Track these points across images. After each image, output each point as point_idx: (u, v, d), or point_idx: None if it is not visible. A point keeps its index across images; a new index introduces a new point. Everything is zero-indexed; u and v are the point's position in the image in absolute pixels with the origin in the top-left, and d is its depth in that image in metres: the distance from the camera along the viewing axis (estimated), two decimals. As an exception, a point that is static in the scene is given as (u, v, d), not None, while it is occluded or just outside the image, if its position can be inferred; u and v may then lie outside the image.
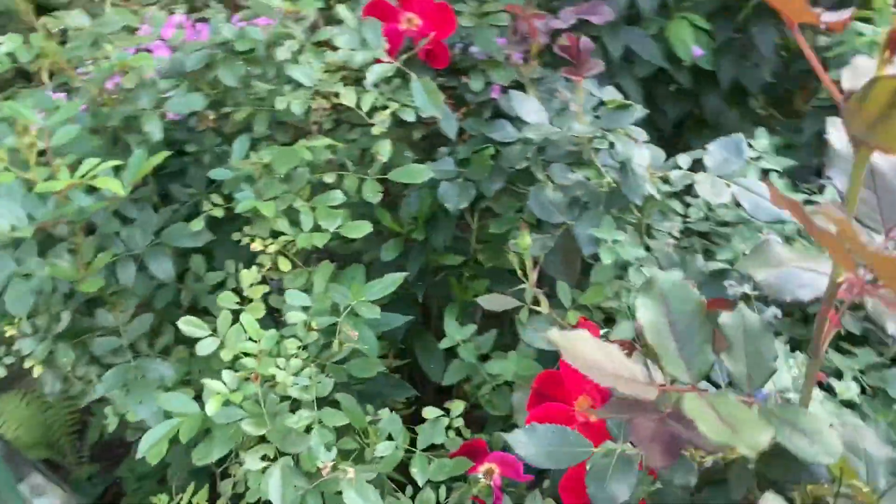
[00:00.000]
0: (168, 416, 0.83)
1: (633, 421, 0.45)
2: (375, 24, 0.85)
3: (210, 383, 0.74)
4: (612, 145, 0.85)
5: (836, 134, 0.49)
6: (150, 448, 0.77)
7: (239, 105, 0.91)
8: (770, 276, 0.47)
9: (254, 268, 0.89)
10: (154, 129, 0.82)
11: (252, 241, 0.92)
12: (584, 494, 0.63)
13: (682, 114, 1.36)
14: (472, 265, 1.11)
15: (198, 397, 0.83)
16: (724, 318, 0.50)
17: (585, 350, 0.44)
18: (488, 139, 1.02)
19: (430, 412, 0.89)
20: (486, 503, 0.86)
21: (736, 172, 0.88)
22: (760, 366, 0.50)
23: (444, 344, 0.98)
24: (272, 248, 0.92)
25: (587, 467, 0.58)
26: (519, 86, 1.06)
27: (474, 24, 1.09)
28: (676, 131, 1.41)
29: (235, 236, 0.94)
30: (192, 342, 0.81)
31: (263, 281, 0.89)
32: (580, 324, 0.82)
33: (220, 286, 0.93)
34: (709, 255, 0.89)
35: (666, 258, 0.87)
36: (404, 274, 0.85)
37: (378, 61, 0.85)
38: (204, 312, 0.92)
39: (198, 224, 0.87)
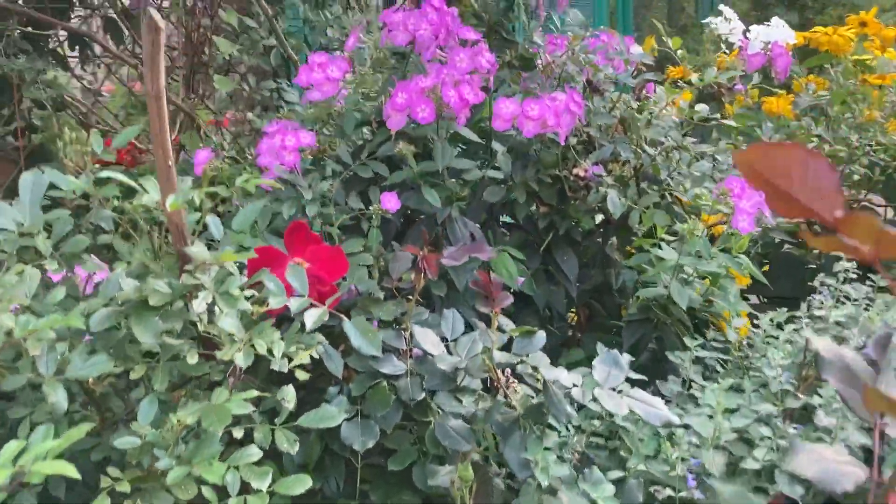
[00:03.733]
0: None
1: None
2: (300, 271, 0.86)
3: None
4: (535, 369, 0.91)
5: (825, 346, 0.59)
6: None
7: (129, 360, 0.84)
8: (818, 472, 0.54)
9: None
10: (60, 399, 0.72)
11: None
12: None
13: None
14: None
15: None
16: None
17: None
18: (378, 374, 1.03)
19: None
20: None
21: (620, 383, 0.98)
22: None
23: None
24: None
25: None
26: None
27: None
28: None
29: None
30: None
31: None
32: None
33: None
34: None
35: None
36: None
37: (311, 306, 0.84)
38: None
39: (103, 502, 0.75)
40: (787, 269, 2.24)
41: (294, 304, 0.82)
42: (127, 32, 2.23)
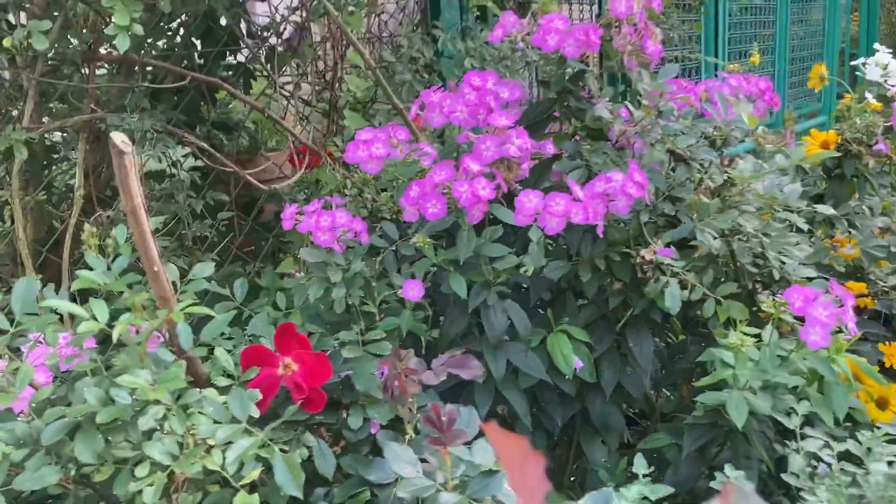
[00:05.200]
0: None
1: None
2: (241, 395, 0.86)
3: None
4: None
5: None
6: None
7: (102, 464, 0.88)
8: None
9: None
10: (-1, 512, 0.78)
11: None
12: None
13: (569, 415, 1.38)
14: None
15: None
16: None
17: None
18: (365, 481, 1.00)
19: None
20: None
21: (607, 529, 0.88)
22: None
23: None
24: None
25: None
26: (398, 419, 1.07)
27: (356, 355, 1.11)
28: (566, 430, 1.43)
29: None
30: None
31: None
32: None
33: None
34: None
35: None
36: None
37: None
38: None
39: None
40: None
41: (221, 434, 0.82)
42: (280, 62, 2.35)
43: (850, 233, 1.53)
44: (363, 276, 1.21)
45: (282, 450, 0.94)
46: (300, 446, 0.99)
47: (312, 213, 1.19)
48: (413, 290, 1.12)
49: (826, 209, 1.18)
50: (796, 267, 1.31)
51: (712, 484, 1.07)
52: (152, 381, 0.83)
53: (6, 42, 1.54)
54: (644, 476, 1.09)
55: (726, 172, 1.23)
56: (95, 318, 0.85)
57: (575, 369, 1.29)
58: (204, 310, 0.91)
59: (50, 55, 1.74)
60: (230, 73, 2.30)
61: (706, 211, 1.15)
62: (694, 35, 3.42)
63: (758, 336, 1.16)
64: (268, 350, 0.99)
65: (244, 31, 2.27)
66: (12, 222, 1.80)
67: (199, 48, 2.21)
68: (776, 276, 1.32)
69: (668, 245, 1.24)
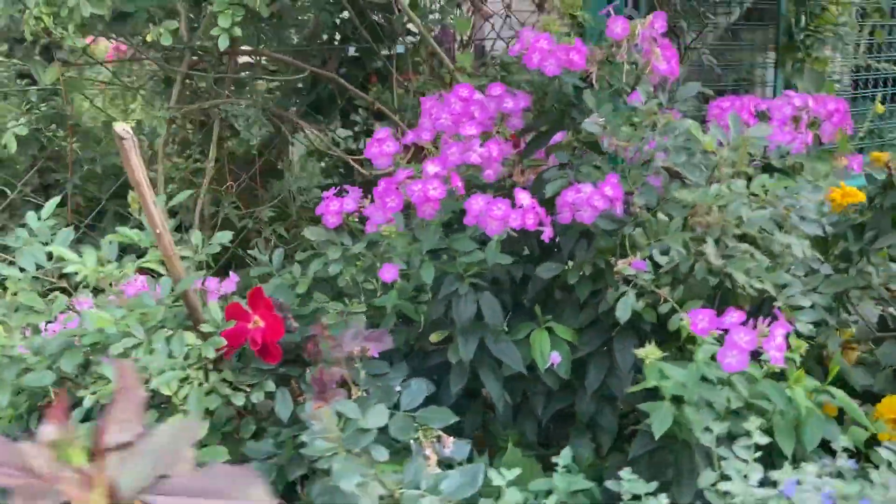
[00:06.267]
0: None
1: None
2: (181, 339, 1.07)
3: None
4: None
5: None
6: None
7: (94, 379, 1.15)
8: None
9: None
10: (2, 399, 1.06)
11: None
12: None
13: (555, 409, 1.46)
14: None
15: None
16: None
17: None
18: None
19: None
20: None
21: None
22: None
23: None
24: None
25: None
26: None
27: (332, 322, 1.30)
28: (558, 425, 1.51)
29: None
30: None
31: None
32: None
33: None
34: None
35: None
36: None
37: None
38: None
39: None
40: None
41: (155, 365, 1.03)
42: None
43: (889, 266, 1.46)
44: (366, 257, 1.39)
45: (244, 390, 1.16)
46: (261, 390, 1.19)
47: (328, 199, 1.38)
48: (388, 273, 1.28)
49: (785, 238, 1.17)
50: (795, 294, 1.31)
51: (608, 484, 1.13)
52: (121, 318, 1.07)
53: (149, 37, 1.86)
54: (563, 468, 1.18)
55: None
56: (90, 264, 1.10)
57: (552, 365, 1.38)
58: (177, 263, 1.14)
59: (195, 48, 2.07)
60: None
61: (664, 230, 1.19)
62: (875, 43, 3.19)
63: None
64: (242, 307, 1.20)
65: (389, 31, 2.51)
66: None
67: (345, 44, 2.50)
68: (780, 301, 1.31)
69: (645, 258, 1.29)
